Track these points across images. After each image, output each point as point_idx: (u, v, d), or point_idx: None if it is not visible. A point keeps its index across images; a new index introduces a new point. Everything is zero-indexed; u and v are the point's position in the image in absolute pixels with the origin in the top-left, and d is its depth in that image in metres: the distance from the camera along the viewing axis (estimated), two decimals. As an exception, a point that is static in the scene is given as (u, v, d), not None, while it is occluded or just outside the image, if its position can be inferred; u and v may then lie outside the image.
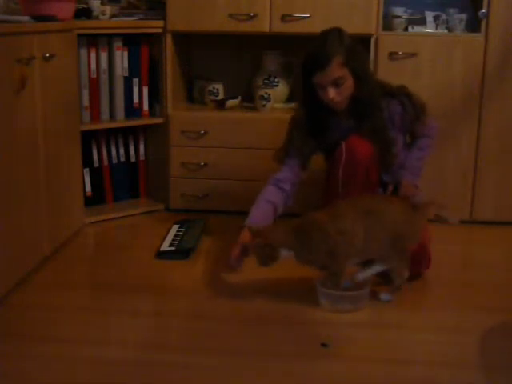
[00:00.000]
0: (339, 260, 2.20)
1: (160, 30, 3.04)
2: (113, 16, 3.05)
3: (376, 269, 2.26)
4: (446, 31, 3.01)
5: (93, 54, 2.96)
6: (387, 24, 3.04)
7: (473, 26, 2.99)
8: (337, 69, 2.34)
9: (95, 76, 2.99)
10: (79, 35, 2.83)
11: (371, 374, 1.86)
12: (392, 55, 2.95)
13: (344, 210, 2.22)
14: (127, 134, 3.20)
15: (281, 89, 3.28)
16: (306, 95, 2.50)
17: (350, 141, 2.45)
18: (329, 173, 2.55)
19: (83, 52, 2.93)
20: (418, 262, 2.38)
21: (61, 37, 2.63)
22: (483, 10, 2.88)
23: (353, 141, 2.44)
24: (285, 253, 2.21)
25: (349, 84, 2.38)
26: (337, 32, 2.40)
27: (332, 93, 2.37)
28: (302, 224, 2.24)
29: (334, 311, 2.20)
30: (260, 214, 2.47)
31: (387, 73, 2.92)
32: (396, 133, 2.50)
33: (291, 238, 2.21)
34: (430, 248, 2.42)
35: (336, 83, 2.36)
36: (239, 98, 3.28)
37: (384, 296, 2.27)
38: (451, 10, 3.03)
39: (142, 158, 3.26)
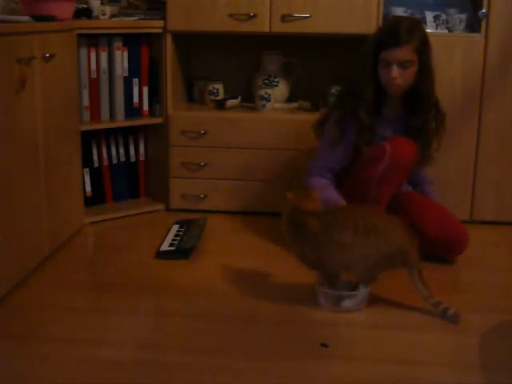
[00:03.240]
0: (327, 267, 2.21)
1: (160, 30, 3.04)
2: (113, 16, 3.05)
3: (363, 293, 2.22)
4: (446, 31, 3.01)
5: (93, 54, 2.96)
6: (387, 24, 3.03)
7: (473, 26, 2.99)
8: (409, 51, 2.40)
9: (95, 76, 2.99)
10: (79, 35, 2.83)
11: (371, 374, 1.86)
12: (392, 55, 2.95)
13: (347, 220, 2.17)
14: (127, 133, 3.20)
15: (281, 89, 3.28)
16: (366, 71, 2.49)
17: (396, 142, 2.45)
18: (360, 167, 2.53)
19: (83, 52, 2.93)
20: (453, 248, 2.53)
21: (61, 37, 2.63)
22: (483, 10, 2.89)
23: (399, 143, 2.45)
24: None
25: (412, 71, 2.43)
26: (418, 21, 2.49)
27: (396, 72, 2.40)
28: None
29: (334, 311, 2.20)
30: (333, 190, 2.51)
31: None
32: None
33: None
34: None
35: (403, 65, 2.41)
36: (239, 98, 3.28)
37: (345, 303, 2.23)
38: (451, 10, 3.03)
39: (142, 157, 3.26)
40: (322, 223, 2.18)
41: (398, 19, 2.48)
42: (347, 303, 2.20)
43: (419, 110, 2.51)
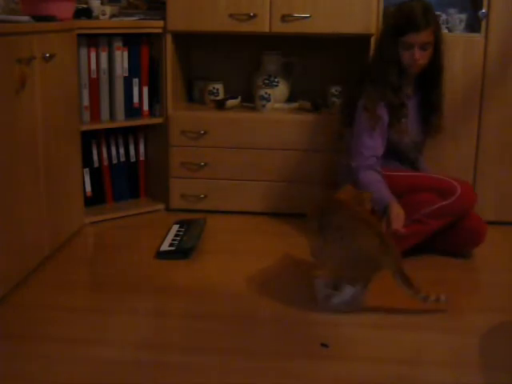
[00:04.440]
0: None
1: (160, 30, 3.04)
2: (113, 16, 3.05)
3: (348, 293, 2.21)
4: (446, 31, 3.01)
5: (93, 54, 2.96)
6: (387, 24, 3.03)
7: (473, 26, 2.99)
8: (429, 34, 2.56)
9: (95, 76, 2.99)
10: (79, 35, 2.83)
11: (371, 374, 1.86)
12: (392, 55, 2.95)
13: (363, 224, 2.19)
14: (127, 134, 3.20)
15: (281, 89, 3.28)
16: (388, 55, 2.60)
17: (466, 186, 2.61)
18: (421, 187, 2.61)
19: (83, 52, 2.92)
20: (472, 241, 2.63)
21: (61, 37, 2.63)
22: (483, 10, 2.89)
23: (469, 188, 2.64)
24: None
25: (430, 52, 2.59)
26: (429, 3, 2.60)
27: (418, 54, 2.55)
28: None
29: (334, 311, 2.20)
30: (386, 187, 2.53)
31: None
32: None
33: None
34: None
35: (423, 47, 2.56)
36: (239, 98, 3.28)
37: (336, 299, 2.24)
38: (451, 10, 3.03)
39: (142, 157, 3.26)
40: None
41: (412, 4, 2.57)
42: (335, 300, 2.20)
43: (434, 84, 2.68)
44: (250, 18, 2.98)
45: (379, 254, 2.15)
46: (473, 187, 2.75)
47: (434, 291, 2.19)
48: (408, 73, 2.63)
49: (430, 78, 2.67)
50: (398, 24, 2.57)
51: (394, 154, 2.70)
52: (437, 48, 2.61)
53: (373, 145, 2.59)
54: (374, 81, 2.61)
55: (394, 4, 2.72)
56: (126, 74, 3.06)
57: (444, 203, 2.52)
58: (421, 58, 2.57)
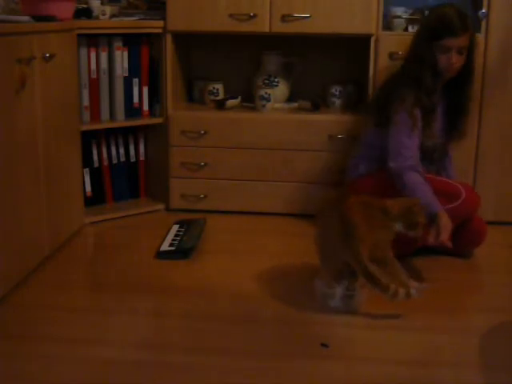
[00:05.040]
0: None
1: (160, 30, 3.04)
2: (113, 16, 3.05)
3: (339, 292, 2.21)
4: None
5: (93, 54, 2.96)
6: (387, 24, 3.04)
7: (473, 25, 2.98)
8: (466, 39, 2.58)
9: (95, 76, 2.99)
10: (79, 35, 2.83)
11: (371, 374, 1.86)
12: (392, 55, 2.95)
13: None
14: (127, 133, 3.20)
15: (281, 89, 3.28)
16: (425, 58, 2.59)
17: (470, 190, 2.65)
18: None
19: (83, 52, 2.92)
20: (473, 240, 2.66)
21: (61, 37, 2.63)
22: (483, 10, 2.89)
23: (473, 193, 2.68)
24: None
25: (465, 56, 2.61)
26: (465, 11, 2.63)
27: (455, 57, 2.57)
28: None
29: (334, 311, 2.20)
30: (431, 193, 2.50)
31: (385, 76, 2.92)
32: None
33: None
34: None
35: (460, 51, 2.58)
36: (239, 98, 3.28)
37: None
38: (451, 10, 3.03)
39: (142, 157, 3.26)
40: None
41: (448, 8, 2.59)
42: (331, 302, 2.21)
43: (465, 88, 2.69)
44: (250, 18, 2.98)
45: (341, 244, 2.12)
46: (475, 191, 2.75)
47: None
48: (442, 77, 2.63)
49: (461, 81, 2.67)
50: (436, 28, 2.57)
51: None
52: (470, 52, 2.62)
53: (411, 145, 2.57)
54: (409, 84, 2.60)
55: (428, 8, 2.72)
56: (126, 74, 3.06)
57: (450, 206, 2.51)
58: (457, 61, 2.58)
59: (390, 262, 2.17)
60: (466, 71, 2.65)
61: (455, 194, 2.56)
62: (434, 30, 2.57)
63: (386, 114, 2.63)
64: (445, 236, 2.35)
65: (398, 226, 2.22)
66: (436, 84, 2.61)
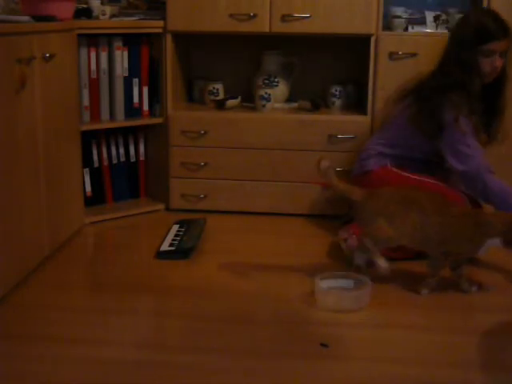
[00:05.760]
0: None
1: (160, 30, 3.04)
2: (113, 16, 3.05)
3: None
4: (446, 31, 3.01)
5: (93, 54, 2.96)
6: (387, 24, 3.04)
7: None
8: (508, 42, 2.61)
9: (95, 76, 2.99)
10: (79, 35, 2.83)
11: (371, 374, 1.86)
12: (392, 55, 2.95)
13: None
14: (127, 133, 3.20)
15: (281, 89, 3.28)
16: (471, 64, 2.59)
17: None
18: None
19: (83, 52, 2.93)
20: None
21: (61, 37, 2.63)
22: (483, 10, 2.88)
23: None
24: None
25: (504, 61, 2.63)
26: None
27: (499, 61, 2.60)
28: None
29: (335, 311, 2.20)
30: None
31: (387, 73, 2.92)
32: None
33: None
34: None
35: (502, 54, 2.61)
36: (239, 98, 3.28)
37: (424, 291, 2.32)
38: (451, 10, 3.03)
39: (142, 157, 3.26)
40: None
41: (486, 14, 2.63)
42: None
43: (502, 91, 2.70)
44: (250, 18, 2.98)
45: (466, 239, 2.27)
46: None
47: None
48: (483, 81, 2.63)
49: (498, 84, 2.67)
50: (480, 33, 2.58)
51: (434, 161, 2.70)
52: (507, 56, 2.64)
53: (478, 147, 2.59)
54: (457, 90, 2.58)
55: (463, 15, 2.71)
56: (126, 74, 3.06)
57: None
58: (500, 65, 2.60)
59: None
60: (503, 75, 2.67)
61: (460, 201, 2.55)
62: (477, 35, 2.58)
63: (437, 122, 2.60)
64: None
65: (493, 242, 2.26)
66: (480, 88, 2.61)
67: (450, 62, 2.64)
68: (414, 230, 2.27)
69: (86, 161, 3.06)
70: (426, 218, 2.26)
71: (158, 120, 3.14)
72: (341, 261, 2.57)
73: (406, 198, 2.31)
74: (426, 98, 2.64)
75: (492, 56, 2.58)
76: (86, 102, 2.98)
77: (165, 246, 2.69)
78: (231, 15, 2.99)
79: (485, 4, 2.89)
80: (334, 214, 3.03)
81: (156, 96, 3.14)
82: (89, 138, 3.06)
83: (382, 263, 2.27)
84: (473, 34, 2.59)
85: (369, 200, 2.32)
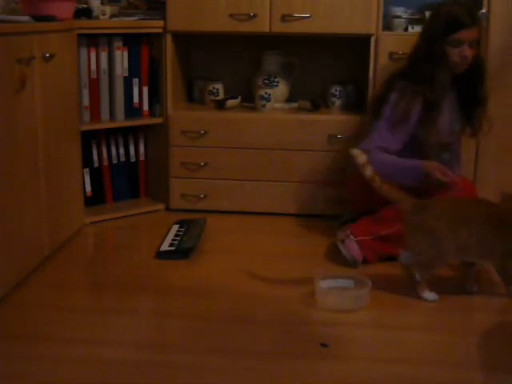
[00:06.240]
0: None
1: (160, 30, 3.04)
2: (113, 16, 3.05)
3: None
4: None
5: (93, 54, 2.96)
6: (387, 24, 3.04)
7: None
8: (476, 32, 2.60)
9: (95, 76, 2.99)
10: (79, 35, 2.83)
11: (371, 374, 1.86)
12: (392, 55, 2.95)
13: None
14: (127, 134, 3.20)
15: (281, 89, 3.28)
16: (435, 53, 2.59)
17: (466, 184, 2.65)
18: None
19: (83, 52, 2.93)
20: None
21: (61, 37, 2.63)
22: (483, 10, 2.89)
23: (469, 185, 2.69)
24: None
25: (475, 50, 2.62)
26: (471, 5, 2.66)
27: (468, 50, 2.58)
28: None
29: (335, 311, 2.20)
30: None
31: (387, 73, 2.92)
32: None
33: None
34: None
35: (471, 44, 2.59)
36: (239, 98, 3.28)
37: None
38: (451, 10, 3.03)
39: (142, 157, 3.26)
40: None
41: (456, 4, 2.61)
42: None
43: (479, 80, 2.69)
44: (250, 17, 2.98)
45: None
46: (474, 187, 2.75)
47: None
48: (452, 71, 2.63)
49: (474, 76, 2.67)
50: (448, 22, 2.57)
51: (416, 153, 2.65)
52: (479, 44, 2.64)
53: (390, 139, 2.59)
54: (414, 79, 2.61)
55: (433, 6, 2.70)
56: (126, 74, 3.06)
57: (450, 193, 2.50)
58: (470, 54, 2.59)
59: None
60: (477, 64, 2.65)
61: (452, 184, 2.50)
62: (445, 25, 2.58)
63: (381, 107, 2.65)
64: (444, 172, 2.44)
65: None
66: (446, 79, 2.62)
67: (416, 54, 2.66)
68: (467, 246, 2.22)
69: (86, 161, 3.06)
70: (482, 232, 2.21)
71: (158, 120, 3.14)
72: (341, 261, 2.57)
73: (458, 213, 2.24)
74: (383, 87, 2.72)
75: (460, 46, 2.57)
76: (86, 101, 2.98)
77: (165, 246, 2.69)
78: (231, 15, 2.99)
79: (485, 5, 2.89)
80: (333, 214, 3.03)
81: (156, 96, 3.14)
82: (89, 138, 3.06)
83: (429, 296, 2.27)
84: (441, 24, 2.59)
85: (418, 213, 2.25)
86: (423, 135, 2.65)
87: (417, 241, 2.25)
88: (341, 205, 3.00)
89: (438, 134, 2.66)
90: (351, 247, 2.54)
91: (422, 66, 2.61)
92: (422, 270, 2.26)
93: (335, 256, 2.63)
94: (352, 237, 2.55)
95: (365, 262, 2.56)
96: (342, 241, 2.57)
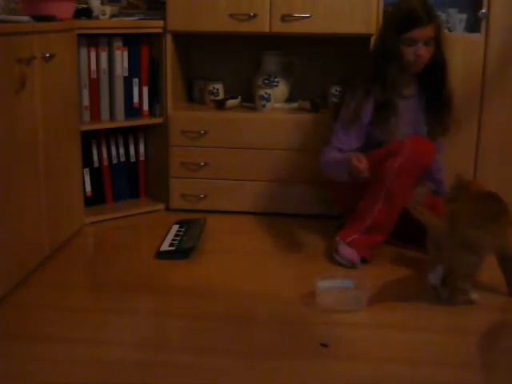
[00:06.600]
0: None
1: (160, 30, 3.04)
2: (113, 16, 3.05)
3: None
4: (446, 31, 3.01)
5: (93, 54, 2.96)
6: (387, 24, 3.03)
7: (473, 26, 2.99)
8: (432, 29, 2.54)
9: (95, 76, 2.99)
10: (79, 35, 2.83)
11: (371, 374, 1.86)
12: (392, 55, 2.95)
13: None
14: (127, 133, 3.20)
15: (281, 89, 3.28)
16: (387, 51, 2.57)
17: (417, 140, 2.53)
18: (376, 158, 2.53)
19: (83, 52, 2.93)
20: None
21: (61, 37, 2.63)
22: (483, 10, 2.89)
23: (420, 141, 2.54)
24: None
25: (432, 49, 2.56)
26: (430, 3, 2.59)
27: (423, 49, 2.53)
28: None
29: (335, 311, 2.20)
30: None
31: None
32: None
33: None
34: None
35: (427, 42, 2.54)
36: (239, 98, 3.28)
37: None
38: (451, 10, 3.03)
39: (142, 157, 3.26)
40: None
41: (412, 2, 2.55)
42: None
43: (441, 82, 2.65)
44: (250, 17, 2.98)
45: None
46: (430, 144, 2.58)
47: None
48: (409, 71, 2.61)
49: (436, 75, 2.63)
50: (402, 20, 2.54)
51: None
52: (439, 45, 2.59)
53: (345, 140, 2.60)
54: (368, 78, 2.59)
55: (393, 4, 2.72)
56: (126, 74, 3.06)
57: (398, 159, 2.46)
58: (424, 54, 2.54)
59: None
60: (439, 65, 2.61)
61: (400, 147, 2.49)
62: (399, 23, 2.54)
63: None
64: (359, 159, 2.40)
65: None
66: (399, 79, 2.59)
67: (375, 52, 2.66)
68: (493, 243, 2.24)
69: (86, 161, 3.06)
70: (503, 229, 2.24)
71: (158, 120, 3.14)
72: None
73: (484, 218, 2.22)
74: (345, 84, 2.74)
75: (415, 44, 2.52)
76: (86, 101, 2.98)
77: (165, 246, 2.69)
78: (231, 15, 2.99)
79: (485, 4, 2.89)
80: (333, 215, 3.02)
81: (156, 96, 3.14)
82: (89, 138, 3.06)
83: (476, 297, 2.27)
84: (395, 22, 2.56)
85: (449, 231, 2.20)
86: (380, 136, 2.61)
87: (457, 257, 2.21)
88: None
89: (394, 135, 2.60)
90: (345, 252, 2.54)
91: (376, 65, 2.59)
92: (468, 280, 2.24)
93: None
94: (342, 242, 2.55)
95: (364, 261, 2.56)
96: (336, 250, 2.57)
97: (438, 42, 2.58)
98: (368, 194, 2.53)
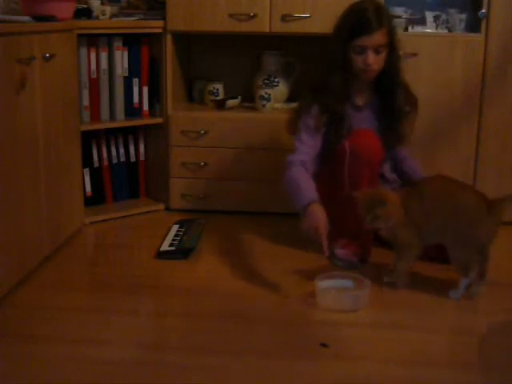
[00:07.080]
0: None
1: (160, 30, 3.04)
2: (113, 16, 3.05)
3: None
4: (446, 31, 3.01)
5: (93, 54, 2.96)
6: (387, 24, 3.03)
7: (473, 26, 2.99)
8: (382, 36, 2.41)
9: (95, 76, 2.99)
10: (79, 35, 2.83)
11: (371, 374, 1.86)
12: (392, 55, 2.95)
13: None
14: (127, 134, 3.20)
15: (281, 89, 3.28)
16: (336, 60, 2.48)
17: (354, 137, 2.46)
18: (333, 168, 2.51)
19: (83, 52, 2.93)
20: None
21: (61, 37, 2.63)
22: (483, 10, 2.89)
23: (357, 137, 2.45)
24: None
25: (384, 56, 2.44)
26: (384, 5, 2.50)
27: (372, 57, 2.41)
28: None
29: (335, 311, 2.20)
30: (313, 188, 2.39)
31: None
32: None
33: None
34: None
35: (377, 50, 2.42)
36: (239, 98, 3.28)
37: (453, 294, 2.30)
38: (451, 10, 3.03)
39: (142, 158, 3.26)
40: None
41: (363, 5, 2.44)
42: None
43: (390, 91, 2.53)
44: (250, 18, 2.98)
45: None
46: (369, 134, 2.48)
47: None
48: (360, 80, 2.51)
49: (385, 84, 2.51)
50: (349, 27, 2.44)
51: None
52: (391, 51, 2.46)
53: (303, 149, 2.50)
54: (319, 88, 2.51)
55: (348, 6, 2.66)
56: (126, 74, 3.06)
57: (344, 166, 2.43)
58: (374, 62, 2.42)
59: None
60: (391, 73, 2.49)
61: (341, 152, 2.44)
62: (347, 30, 2.44)
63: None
64: (316, 231, 2.28)
65: None
66: (349, 88, 2.50)
67: (328, 60, 2.53)
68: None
69: (86, 161, 3.06)
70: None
71: (158, 120, 3.14)
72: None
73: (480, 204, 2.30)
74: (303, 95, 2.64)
75: (363, 52, 2.40)
76: (85, 102, 2.98)
77: (165, 246, 2.69)
78: (231, 15, 2.99)
79: (485, 4, 2.89)
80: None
81: (156, 96, 3.14)
82: (89, 138, 3.06)
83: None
84: (344, 29, 2.45)
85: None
86: (335, 143, 2.51)
87: (460, 253, 2.28)
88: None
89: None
90: (341, 253, 2.53)
91: (325, 73, 2.51)
92: (471, 270, 2.28)
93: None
94: (335, 248, 2.55)
95: (363, 261, 2.56)
96: (333, 254, 2.56)
97: (391, 49, 2.46)
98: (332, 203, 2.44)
